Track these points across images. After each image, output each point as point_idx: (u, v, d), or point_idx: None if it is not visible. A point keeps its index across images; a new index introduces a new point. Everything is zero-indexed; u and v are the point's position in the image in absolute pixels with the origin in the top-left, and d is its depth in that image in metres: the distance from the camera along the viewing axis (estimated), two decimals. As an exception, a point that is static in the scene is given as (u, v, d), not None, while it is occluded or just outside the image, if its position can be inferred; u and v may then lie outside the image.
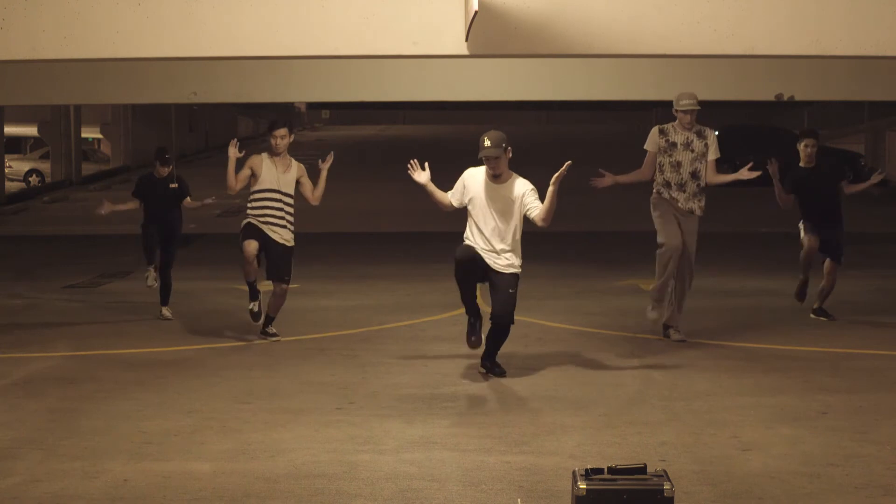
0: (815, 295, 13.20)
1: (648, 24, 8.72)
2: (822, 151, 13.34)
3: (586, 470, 6.49)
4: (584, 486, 6.37)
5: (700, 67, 14.73)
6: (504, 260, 10.34)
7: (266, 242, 11.82)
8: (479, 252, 10.34)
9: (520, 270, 10.41)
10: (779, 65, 14.23)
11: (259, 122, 63.89)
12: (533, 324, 12.88)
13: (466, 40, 8.64)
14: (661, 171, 11.90)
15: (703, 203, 11.87)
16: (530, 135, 58.79)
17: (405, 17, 8.81)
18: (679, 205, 11.83)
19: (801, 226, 13.07)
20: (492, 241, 10.32)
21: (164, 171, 13.29)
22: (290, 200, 11.91)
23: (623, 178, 12.05)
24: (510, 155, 10.29)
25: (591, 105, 66.31)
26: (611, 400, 9.73)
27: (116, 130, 40.76)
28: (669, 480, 6.42)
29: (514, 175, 10.38)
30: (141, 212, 13.52)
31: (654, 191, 11.95)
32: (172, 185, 13.26)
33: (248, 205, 11.94)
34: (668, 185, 11.85)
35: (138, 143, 41.42)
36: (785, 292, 14.46)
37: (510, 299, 10.33)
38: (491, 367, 10.56)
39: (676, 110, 11.88)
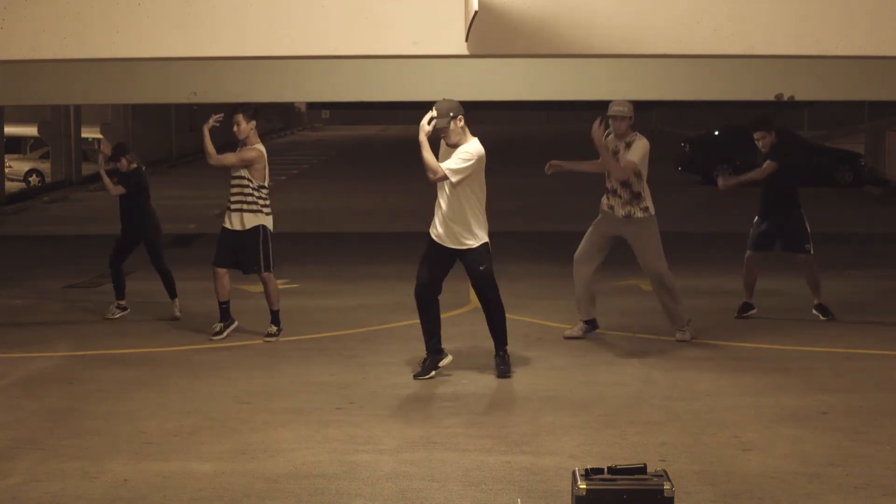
0: (810, 294, 13.23)
1: (648, 23, 8.71)
2: (792, 145, 13.46)
3: (586, 470, 6.49)
4: (584, 486, 6.37)
5: (700, 67, 14.70)
6: (459, 236, 10.34)
7: (233, 237, 11.95)
8: (438, 236, 10.37)
9: (478, 243, 10.36)
10: (779, 65, 14.20)
11: (259, 123, 63.79)
12: (533, 324, 12.88)
13: (466, 40, 8.64)
14: (607, 176, 11.94)
15: (641, 206, 11.77)
16: (530, 135, 58.79)
17: (405, 17, 8.81)
18: (616, 211, 11.84)
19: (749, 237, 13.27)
20: (447, 209, 10.32)
21: (124, 164, 13.29)
22: (247, 182, 11.94)
23: (577, 166, 12.04)
24: (461, 123, 10.34)
25: (591, 105, 66.37)
26: (611, 400, 9.73)
27: (116, 130, 40.72)
28: (669, 480, 6.42)
29: (470, 139, 10.40)
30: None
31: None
32: (133, 166, 13.30)
33: None
34: (608, 190, 11.89)
35: (138, 143, 41.36)
36: (785, 292, 14.47)
37: (484, 275, 10.35)
38: (498, 362, 10.52)
39: (607, 115, 11.83)
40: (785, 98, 14.43)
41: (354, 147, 54.17)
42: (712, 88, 15.21)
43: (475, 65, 14.62)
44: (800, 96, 14.77)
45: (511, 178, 28.75)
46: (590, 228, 12.04)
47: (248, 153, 11.93)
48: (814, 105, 52.76)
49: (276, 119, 68.10)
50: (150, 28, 8.87)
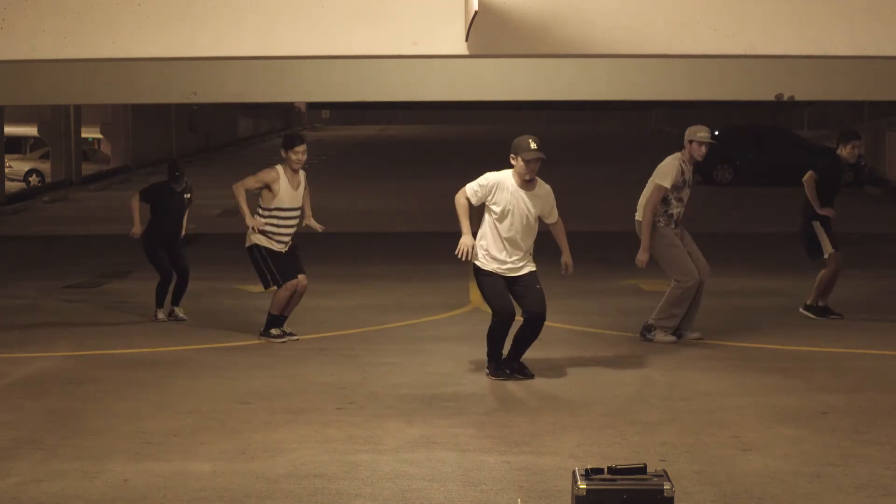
0: (814, 290, 13.23)
1: (648, 24, 8.71)
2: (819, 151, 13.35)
3: (586, 470, 6.49)
4: (584, 486, 6.37)
5: (700, 67, 14.72)
6: (523, 264, 10.36)
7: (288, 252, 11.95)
8: (504, 272, 10.28)
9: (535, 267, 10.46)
10: (779, 65, 14.22)
11: (259, 122, 63.91)
12: (533, 324, 12.87)
13: (466, 40, 8.64)
14: (667, 205, 11.83)
15: None
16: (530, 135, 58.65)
17: (405, 18, 8.80)
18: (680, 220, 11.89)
19: (820, 230, 12.93)
20: (521, 245, 10.29)
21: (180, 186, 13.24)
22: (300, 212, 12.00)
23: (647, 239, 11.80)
24: None
25: (591, 105, 66.49)
26: (611, 400, 9.73)
27: (116, 130, 40.75)
28: (669, 480, 6.42)
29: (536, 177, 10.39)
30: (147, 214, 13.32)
31: (658, 222, 11.81)
32: (187, 196, 13.24)
33: (266, 221, 11.74)
34: (670, 218, 11.84)
35: (138, 143, 41.41)
36: (785, 292, 14.47)
37: (541, 294, 10.35)
38: (519, 368, 10.47)
39: (692, 141, 11.81)
40: (785, 98, 14.44)
41: (354, 147, 54.14)
42: (712, 88, 15.22)
43: (475, 65, 14.64)
44: (800, 96, 14.78)
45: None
46: (681, 251, 11.84)
47: (305, 178, 11.99)
48: (814, 105, 52.76)
49: (276, 119, 68.17)
50: (150, 28, 8.86)
